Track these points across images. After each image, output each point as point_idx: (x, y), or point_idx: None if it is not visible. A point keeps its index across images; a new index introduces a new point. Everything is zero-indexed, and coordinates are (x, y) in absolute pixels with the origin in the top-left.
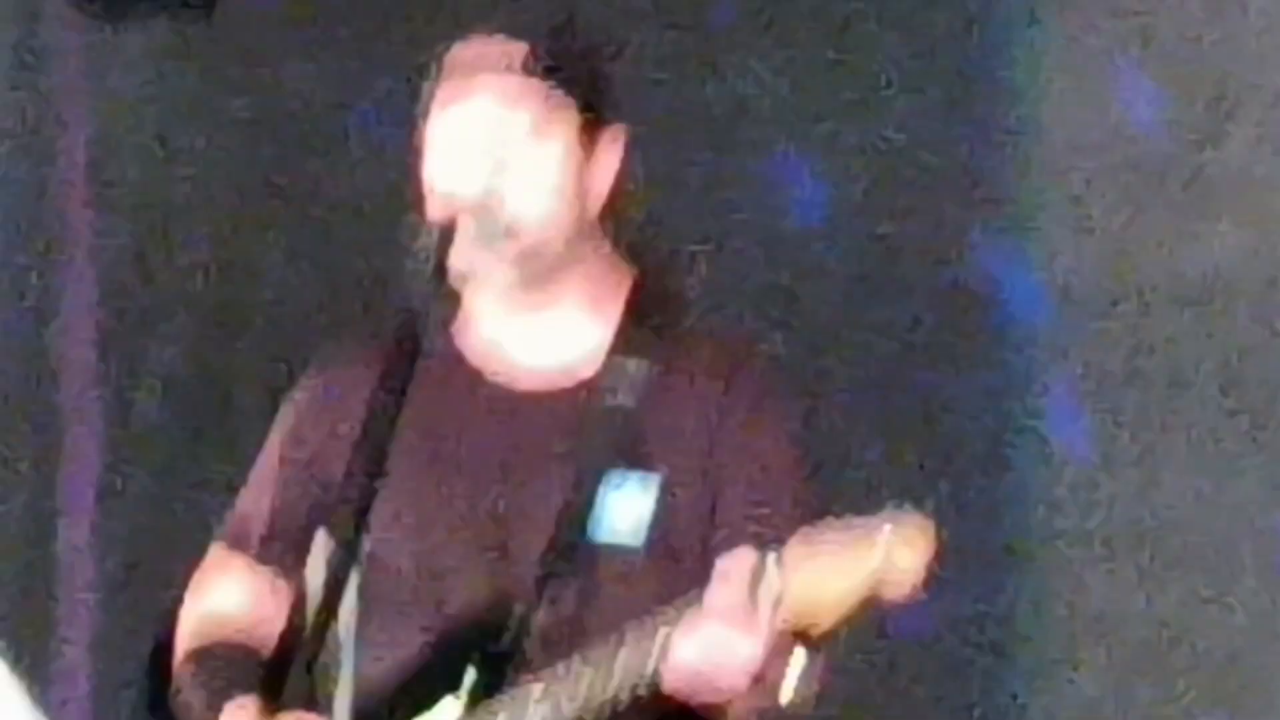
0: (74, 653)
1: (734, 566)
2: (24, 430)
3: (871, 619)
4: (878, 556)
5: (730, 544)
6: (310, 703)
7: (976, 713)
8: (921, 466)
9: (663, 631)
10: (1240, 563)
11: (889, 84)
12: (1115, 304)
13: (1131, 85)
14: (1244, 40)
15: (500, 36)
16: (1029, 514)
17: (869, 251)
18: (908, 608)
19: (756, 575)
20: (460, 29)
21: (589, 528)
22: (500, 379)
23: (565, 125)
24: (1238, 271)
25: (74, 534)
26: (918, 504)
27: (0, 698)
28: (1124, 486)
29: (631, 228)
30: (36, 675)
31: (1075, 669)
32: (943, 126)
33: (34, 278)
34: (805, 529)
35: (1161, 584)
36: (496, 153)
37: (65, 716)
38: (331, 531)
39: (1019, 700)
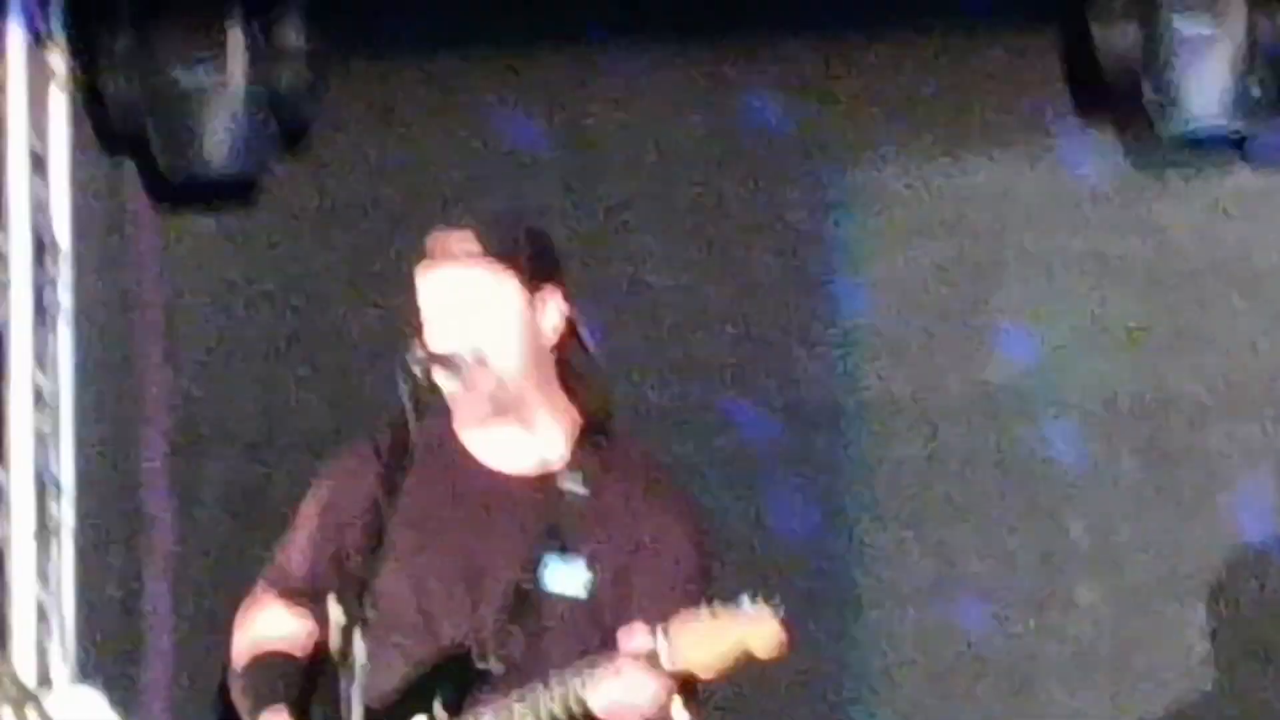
0: (157, 684)
1: (635, 638)
2: (115, 525)
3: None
4: (735, 639)
5: (633, 618)
6: (334, 715)
7: None
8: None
9: (576, 682)
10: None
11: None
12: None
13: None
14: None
15: (462, 229)
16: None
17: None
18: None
19: (649, 631)
20: (436, 221)
21: (535, 581)
22: (483, 462)
23: (512, 290)
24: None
25: (155, 602)
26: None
27: None
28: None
29: (586, 372)
30: (129, 704)
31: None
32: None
33: (121, 409)
34: (684, 613)
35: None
36: (460, 302)
37: None
38: (344, 590)
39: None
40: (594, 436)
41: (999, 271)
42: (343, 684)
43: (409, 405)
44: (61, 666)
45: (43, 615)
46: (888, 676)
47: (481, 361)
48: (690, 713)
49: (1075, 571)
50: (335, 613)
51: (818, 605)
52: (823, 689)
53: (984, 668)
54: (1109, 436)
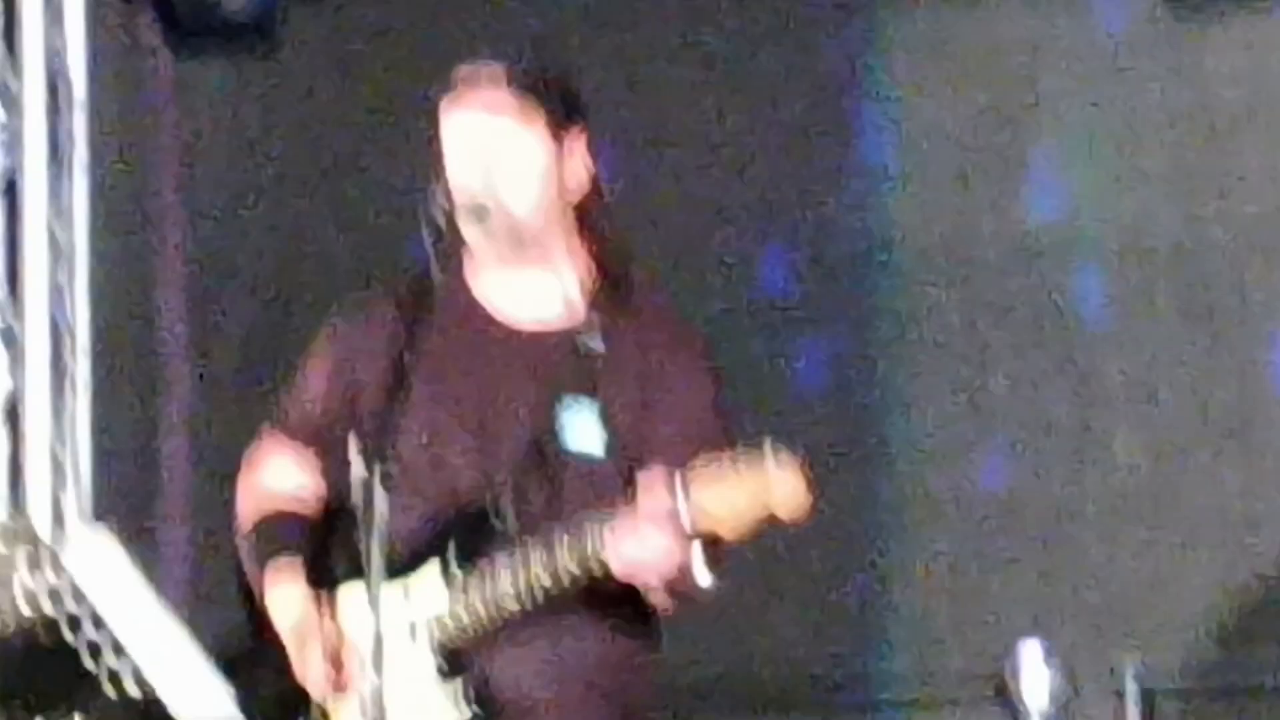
0: (175, 533)
1: (653, 479)
2: (131, 375)
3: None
4: (758, 497)
5: (651, 462)
6: (354, 559)
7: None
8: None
9: (596, 527)
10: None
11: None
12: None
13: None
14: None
15: (488, 62)
16: None
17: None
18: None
19: (669, 488)
20: (461, 58)
21: (554, 438)
22: (499, 316)
23: (537, 125)
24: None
25: (172, 451)
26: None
27: (117, 573)
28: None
29: (604, 223)
30: (145, 553)
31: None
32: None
33: (138, 257)
34: (705, 457)
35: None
36: (486, 147)
37: (168, 586)
38: (364, 438)
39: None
40: (613, 288)
41: (1032, 120)
42: (361, 535)
43: (431, 252)
44: (76, 517)
45: (58, 466)
46: (917, 531)
47: (503, 207)
48: (712, 570)
49: (1110, 422)
50: (355, 463)
51: (846, 458)
52: (850, 544)
53: (1017, 520)
54: (1144, 285)
